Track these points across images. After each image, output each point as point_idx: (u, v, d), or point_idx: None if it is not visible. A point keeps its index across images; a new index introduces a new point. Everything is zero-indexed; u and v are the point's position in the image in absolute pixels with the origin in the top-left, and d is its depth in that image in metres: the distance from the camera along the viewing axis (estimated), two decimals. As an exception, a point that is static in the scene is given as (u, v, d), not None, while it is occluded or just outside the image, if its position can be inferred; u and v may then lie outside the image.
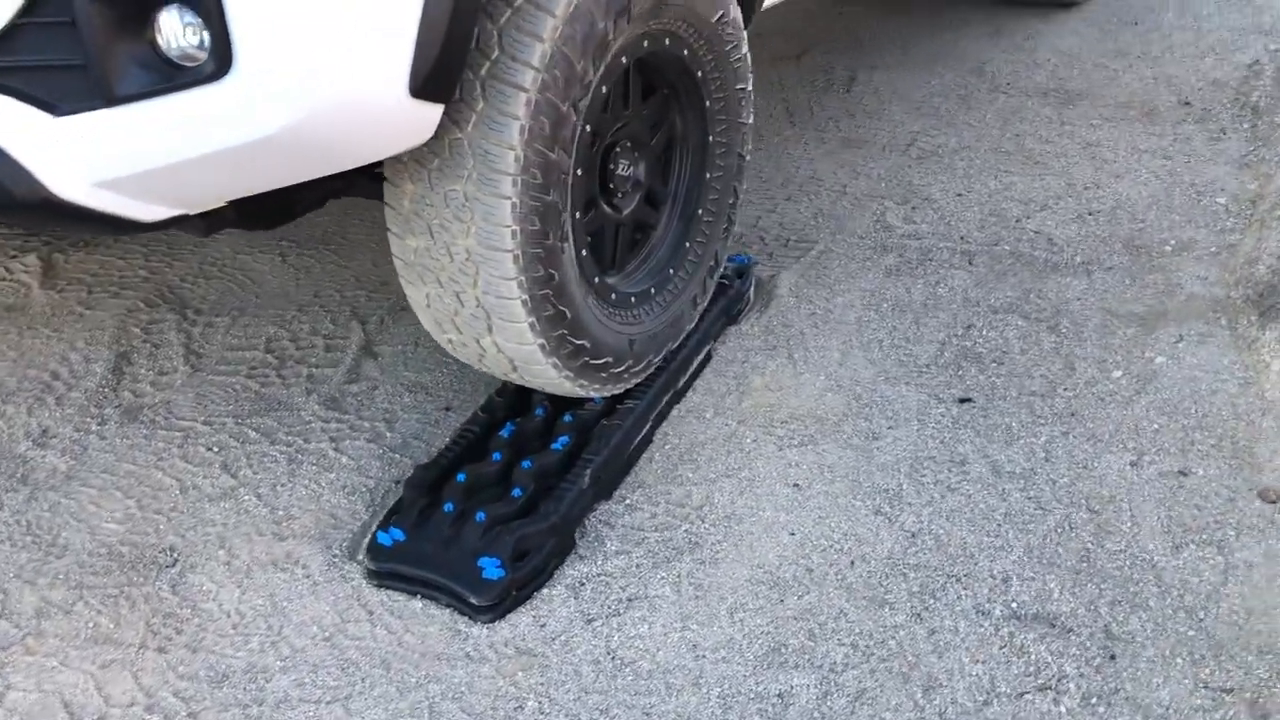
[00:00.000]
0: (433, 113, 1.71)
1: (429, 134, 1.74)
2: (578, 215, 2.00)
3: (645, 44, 2.05)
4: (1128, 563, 1.95)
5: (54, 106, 1.54)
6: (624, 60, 2.00)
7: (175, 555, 2.04)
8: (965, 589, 1.92)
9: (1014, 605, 1.88)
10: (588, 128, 1.96)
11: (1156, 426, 2.26)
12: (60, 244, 2.97)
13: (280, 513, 2.13)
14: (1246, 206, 3.01)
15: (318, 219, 3.04)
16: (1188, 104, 3.72)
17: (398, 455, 2.26)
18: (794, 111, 3.88)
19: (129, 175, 1.60)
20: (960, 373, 2.46)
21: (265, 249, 2.99)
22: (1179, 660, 1.76)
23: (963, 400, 2.38)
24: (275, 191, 1.92)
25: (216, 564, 2.02)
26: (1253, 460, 2.15)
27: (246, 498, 2.17)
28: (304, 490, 2.18)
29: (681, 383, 2.40)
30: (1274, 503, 2.04)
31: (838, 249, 2.97)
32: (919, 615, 1.87)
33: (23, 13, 1.51)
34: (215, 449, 2.29)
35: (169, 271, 2.88)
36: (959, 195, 3.24)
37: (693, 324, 2.41)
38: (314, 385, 2.47)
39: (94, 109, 1.54)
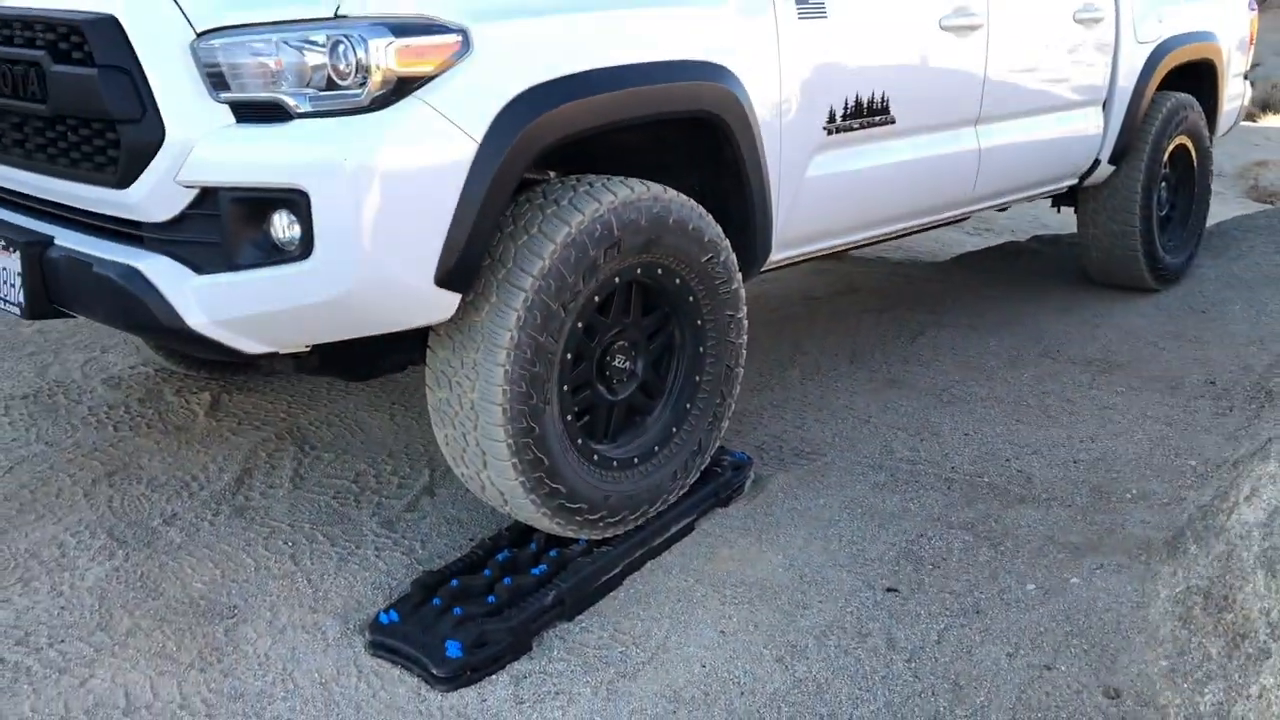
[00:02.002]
0: (451, 299, 2.41)
1: (449, 314, 2.43)
2: (565, 387, 2.63)
3: (638, 270, 2.71)
4: (967, 725, 2.31)
5: (198, 267, 2.33)
6: (617, 279, 2.67)
7: (235, 611, 2.68)
8: (822, 724, 2.32)
9: (855, 741, 2.27)
10: (579, 324, 2.61)
11: (1044, 630, 2.61)
12: (228, 387, 3.82)
13: (320, 594, 2.75)
14: (1213, 469, 3.33)
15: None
16: (1212, 383, 4.06)
17: (421, 566, 2.86)
18: (857, 354, 4.45)
19: (239, 318, 2.35)
20: (897, 569, 2.88)
21: (380, 408, 3.74)
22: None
23: (889, 589, 2.80)
24: (361, 352, 2.67)
25: (262, 621, 2.65)
26: (1112, 665, 2.47)
27: (300, 580, 2.80)
28: (344, 582, 2.80)
29: (658, 542, 2.92)
30: (1114, 698, 2.35)
31: (839, 463, 3.46)
32: (775, 736, 2.29)
33: (191, 206, 2.33)
34: (289, 544, 2.95)
35: (302, 416, 3.66)
36: (965, 434, 3.69)
37: (673, 495, 2.95)
38: (379, 510, 3.13)
39: (222, 271, 2.32)
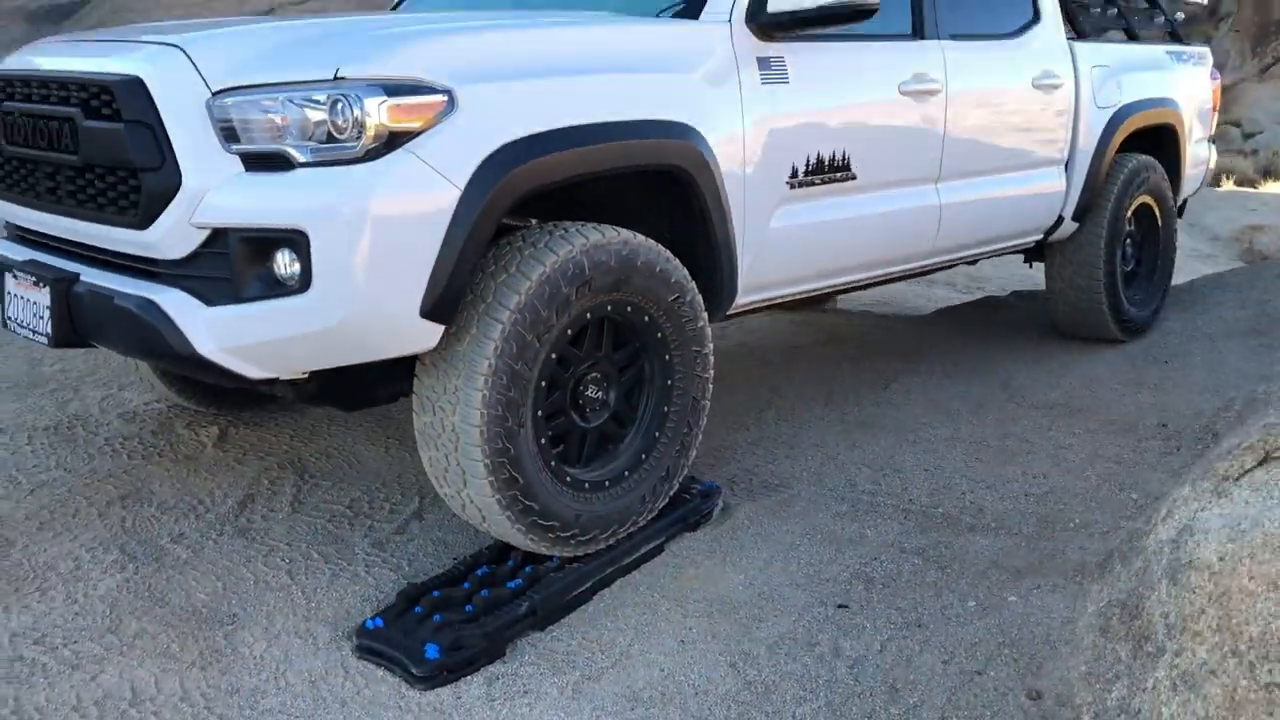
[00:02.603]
0: (435, 329, 2.67)
1: (433, 343, 2.69)
2: (539, 413, 2.88)
3: (609, 308, 2.98)
4: (898, 721, 2.52)
5: (208, 300, 2.60)
6: (589, 315, 2.93)
7: (234, 618, 2.91)
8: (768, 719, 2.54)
9: (795, 734, 2.48)
10: (553, 355, 2.87)
11: (979, 641, 2.82)
12: (235, 421, 4.08)
13: (313, 605, 2.98)
14: (1152, 501, 3.54)
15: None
16: (1164, 426, 4.29)
17: (406, 581, 3.09)
18: (832, 397, 4.69)
19: (245, 345, 2.62)
20: (849, 588, 3.10)
21: (376, 441, 3.99)
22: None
23: (840, 606, 3.01)
24: (354, 381, 2.93)
25: (259, 628, 2.88)
26: (1038, 671, 2.68)
27: (295, 592, 3.04)
28: (335, 594, 3.03)
29: (627, 561, 3.15)
30: (1035, 699, 2.56)
31: (805, 495, 3.69)
32: (723, 730, 2.50)
33: (203, 245, 2.61)
34: (286, 561, 3.19)
35: (302, 448, 3.92)
36: (926, 470, 3.91)
37: (642, 517, 3.18)
38: (370, 532, 3.37)
39: (230, 303, 2.59)
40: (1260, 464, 2.62)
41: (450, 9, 4.06)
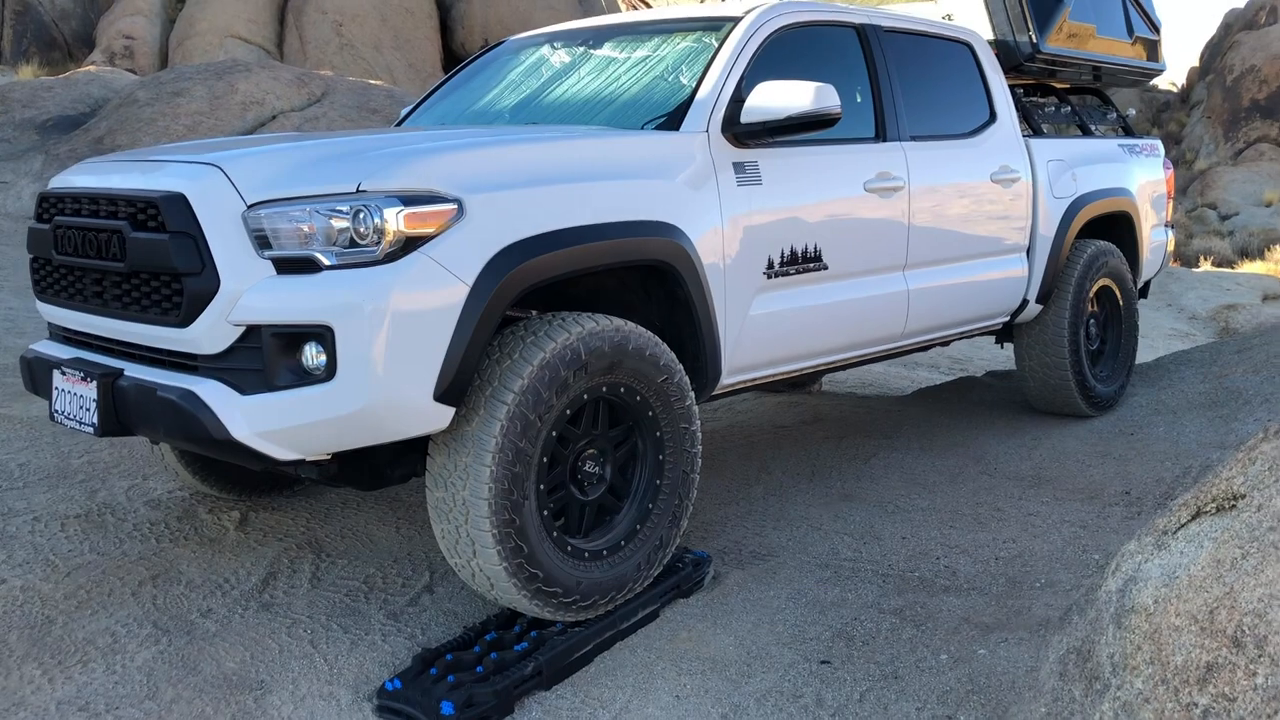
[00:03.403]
0: (447, 411, 2.96)
1: (445, 424, 2.98)
2: (541, 487, 3.15)
3: (604, 389, 3.28)
4: (874, 760, 2.75)
5: (242, 389, 2.90)
6: (585, 396, 3.23)
7: (263, 684, 3.15)
8: (754, 762, 2.77)
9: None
10: (553, 433, 3.16)
11: (950, 689, 3.07)
12: (255, 506, 4.34)
13: (335, 671, 3.22)
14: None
15: (427, 511, 4.30)
16: (1127, 493, 4.56)
17: (420, 647, 3.33)
18: (816, 472, 4.97)
19: (276, 430, 2.91)
20: (831, 645, 3.35)
21: (388, 523, 4.25)
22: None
23: (823, 662, 3.26)
24: (369, 464, 3.21)
25: (286, 691, 3.11)
26: (1003, 715, 2.92)
27: (318, 660, 3.28)
28: (355, 661, 3.27)
29: (625, 626, 3.40)
30: (1001, 739, 2.80)
31: (790, 563, 3.95)
32: (714, 771, 2.73)
33: (238, 341, 2.91)
34: (308, 632, 3.43)
35: (319, 529, 4.17)
36: (903, 538, 4.18)
37: (638, 584, 3.43)
38: (385, 605, 3.62)
39: (262, 392, 2.88)
40: (1193, 518, 2.90)
41: (453, 124, 4.44)
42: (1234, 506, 2.66)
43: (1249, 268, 23.43)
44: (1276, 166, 34.08)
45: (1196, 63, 44.19)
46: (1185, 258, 25.71)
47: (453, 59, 33.29)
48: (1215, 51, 41.21)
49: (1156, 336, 13.47)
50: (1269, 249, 25.85)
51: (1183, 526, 2.90)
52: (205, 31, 30.17)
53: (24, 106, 15.60)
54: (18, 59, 28.85)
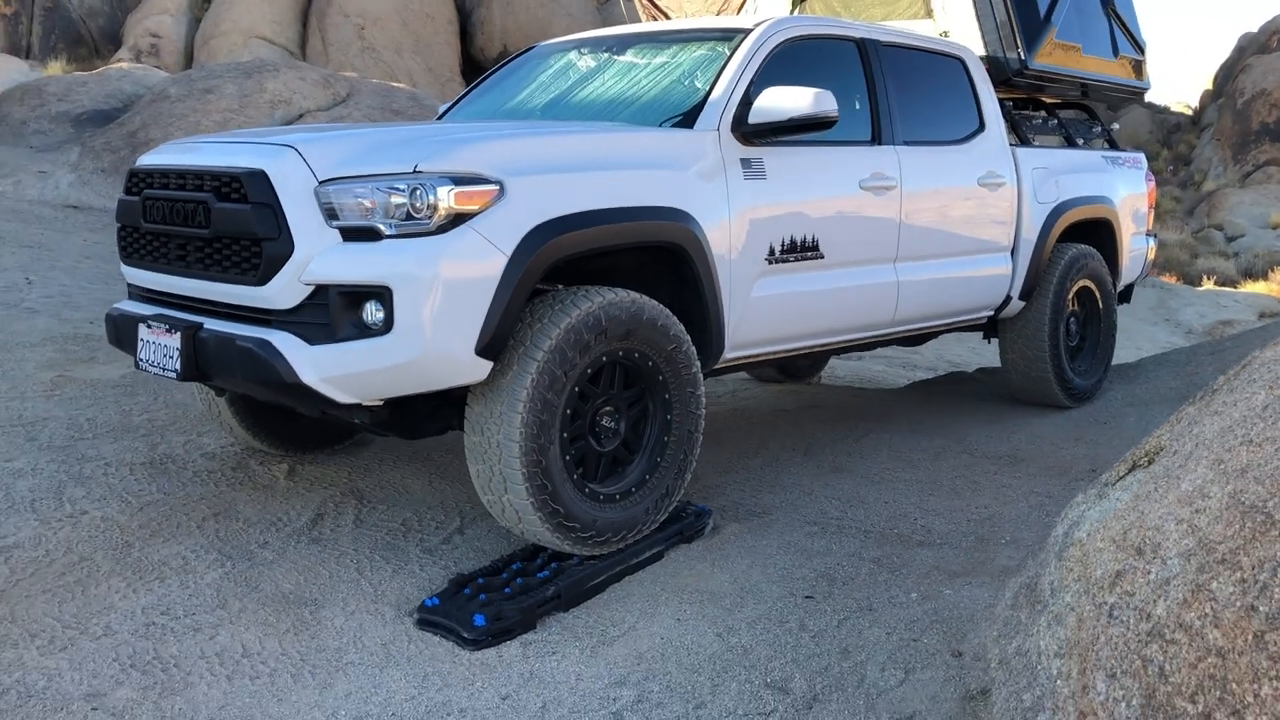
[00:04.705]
0: (486, 365, 3.42)
1: (484, 376, 3.45)
2: (564, 435, 3.61)
3: (620, 353, 3.73)
4: (829, 683, 3.20)
5: (310, 340, 3.37)
6: (604, 358, 3.69)
7: (316, 601, 3.61)
8: (742, 673, 3.22)
9: (766, 678, 3.16)
10: (576, 389, 3.62)
11: (917, 619, 3.51)
12: (301, 459, 4.81)
13: (380, 593, 3.68)
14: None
15: (455, 469, 4.76)
16: (1094, 470, 5.00)
17: (452, 576, 3.79)
18: (810, 448, 5.42)
19: (338, 376, 3.37)
20: (815, 584, 3.80)
21: (421, 476, 4.71)
22: None
23: (807, 596, 3.71)
24: (411, 415, 3.67)
25: (337, 607, 3.57)
26: (962, 638, 3.36)
27: (364, 584, 3.74)
28: (397, 584, 3.73)
29: (635, 562, 3.85)
30: (957, 656, 3.24)
31: (782, 520, 4.40)
32: (714, 684, 3.18)
33: (308, 298, 3.38)
34: (354, 563, 3.89)
35: (360, 482, 4.64)
36: (886, 503, 4.63)
37: (647, 526, 3.88)
38: (421, 542, 4.08)
39: (328, 343, 3.35)
40: (1130, 471, 3.35)
41: (490, 119, 4.92)
42: (1157, 457, 3.11)
43: (1251, 288, 23.80)
44: (1283, 189, 34.42)
45: (1210, 85, 44.62)
46: (1189, 277, 26.09)
47: (471, 64, 33.83)
48: (1228, 74, 41.62)
49: (1152, 348, 13.88)
50: (1272, 270, 26.21)
51: (1120, 479, 3.35)
52: (230, 31, 30.77)
53: (59, 100, 16.11)
54: (46, 55, 29.48)
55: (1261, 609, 1.97)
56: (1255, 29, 42.21)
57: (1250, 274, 27.69)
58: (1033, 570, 3.46)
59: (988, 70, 5.78)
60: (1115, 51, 6.70)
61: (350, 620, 3.50)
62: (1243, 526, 2.15)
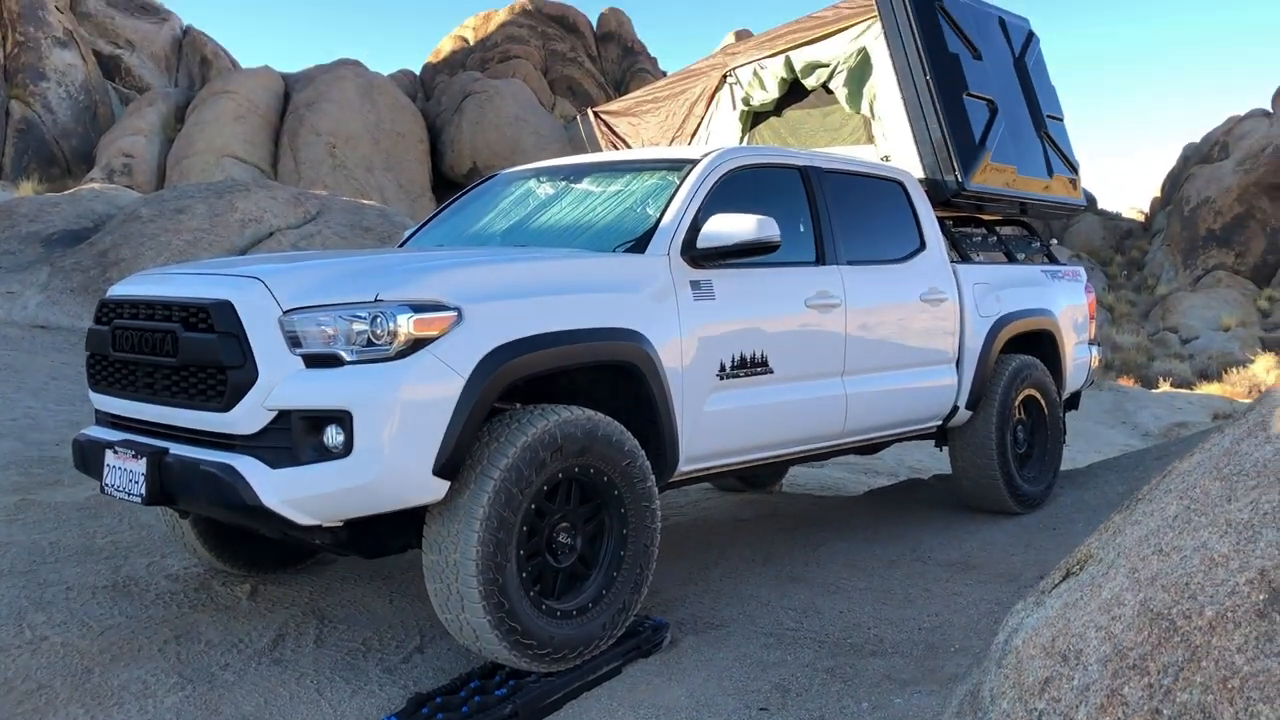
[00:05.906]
0: (443, 484, 3.54)
1: (442, 495, 3.56)
2: (521, 552, 3.71)
3: (576, 469, 3.86)
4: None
5: (273, 464, 3.47)
6: (560, 475, 3.81)
7: (276, 722, 3.64)
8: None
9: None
10: (532, 506, 3.73)
11: (867, 728, 3.59)
12: (264, 580, 4.85)
13: (340, 710, 3.72)
14: (1019, 629, 4.35)
15: (416, 586, 4.82)
16: (1041, 577, 5.12)
17: (410, 695, 3.84)
18: (769, 558, 5.52)
19: (300, 498, 3.47)
20: (770, 696, 3.87)
21: (383, 595, 4.77)
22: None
23: (761, 709, 3.78)
24: (371, 535, 3.77)
25: (296, 729, 3.61)
26: (910, 746, 3.44)
27: (324, 705, 3.77)
28: (356, 704, 3.77)
29: (592, 678, 3.91)
30: (905, 764, 3.32)
31: (739, 632, 4.48)
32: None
33: (271, 423, 3.50)
34: (314, 683, 3.93)
35: (322, 601, 4.69)
36: (840, 613, 4.72)
37: (604, 642, 3.96)
38: (381, 661, 4.12)
39: (290, 466, 3.46)
40: (1064, 579, 3.48)
41: (451, 244, 5.11)
42: (1086, 565, 3.25)
43: (1206, 389, 24.30)
44: (1233, 293, 35.42)
45: (1158, 193, 46.10)
46: (1146, 379, 26.63)
47: (442, 181, 34.47)
48: (1175, 183, 43.05)
49: (1110, 451, 14.13)
50: (1226, 371, 26.81)
51: (1055, 586, 3.48)
52: (203, 151, 31.31)
53: (30, 221, 16.29)
54: (18, 175, 29.80)
55: (1165, 712, 2.09)
56: (1198, 139, 43.84)
57: (1205, 375, 28.31)
58: (976, 677, 3.56)
59: (928, 192, 6.07)
60: (1050, 171, 7.03)
61: (309, 741, 3.53)
62: (1150, 633, 2.29)
